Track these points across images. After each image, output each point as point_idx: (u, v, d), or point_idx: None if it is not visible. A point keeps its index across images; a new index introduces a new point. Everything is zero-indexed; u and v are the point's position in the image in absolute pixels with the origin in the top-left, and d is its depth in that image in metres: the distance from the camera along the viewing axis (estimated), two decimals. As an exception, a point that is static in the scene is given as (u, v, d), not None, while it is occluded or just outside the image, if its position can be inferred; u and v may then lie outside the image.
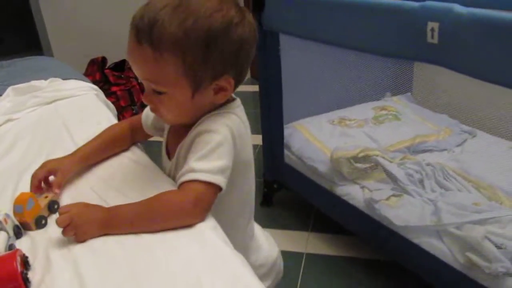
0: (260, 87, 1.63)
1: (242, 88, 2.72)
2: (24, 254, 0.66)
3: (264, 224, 1.72)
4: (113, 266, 0.64)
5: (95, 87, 1.34)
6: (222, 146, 0.73)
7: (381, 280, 1.43)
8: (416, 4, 0.99)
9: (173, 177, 0.81)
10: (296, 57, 1.60)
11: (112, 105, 1.35)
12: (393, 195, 1.34)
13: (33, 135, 1.08)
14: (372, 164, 1.44)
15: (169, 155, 0.84)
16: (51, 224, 0.74)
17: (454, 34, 0.92)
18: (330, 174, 1.48)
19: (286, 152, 1.67)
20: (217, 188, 0.72)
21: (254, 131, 2.83)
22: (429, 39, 0.97)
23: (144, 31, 0.69)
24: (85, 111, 1.18)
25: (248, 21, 0.75)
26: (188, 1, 0.70)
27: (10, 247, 0.70)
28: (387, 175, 1.40)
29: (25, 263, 0.65)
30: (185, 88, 0.73)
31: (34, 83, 1.33)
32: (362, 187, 1.41)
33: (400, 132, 1.64)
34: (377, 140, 1.59)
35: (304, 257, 1.56)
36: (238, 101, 0.83)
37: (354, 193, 1.42)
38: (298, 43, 1.48)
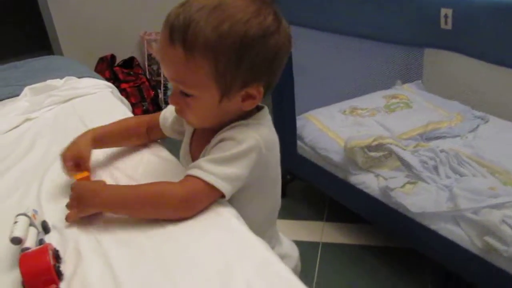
0: (271, 79, 1.63)
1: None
2: (55, 248, 0.67)
3: (279, 216, 1.74)
4: (141, 257, 0.65)
5: (110, 84, 1.36)
6: (241, 157, 0.71)
7: (398, 267, 1.44)
8: (428, -10, 0.99)
9: None
10: (306, 48, 1.60)
11: (127, 101, 1.37)
12: (408, 183, 1.34)
13: (52, 133, 1.10)
14: (386, 152, 1.44)
15: (193, 158, 0.82)
16: (79, 223, 0.75)
17: (468, 20, 0.92)
18: (344, 164, 1.49)
19: (299, 143, 1.68)
20: (218, 193, 0.71)
21: (264, 124, 2.80)
22: (443, 25, 0.97)
23: (179, 31, 0.67)
24: (102, 108, 1.19)
25: (284, 29, 0.72)
26: (226, 4, 0.68)
27: (40, 241, 0.72)
28: (402, 162, 1.40)
29: (57, 256, 0.67)
30: (213, 93, 0.71)
31: (50, 82, 1.34)
32: (377, 176, 1.42)
33: (412, 120, 1.64)
34: (390, 129, 1.59)
35: (320, 247, 1.57)
36: (266, 110, 0.80)
37: (369, 181, 1.42)
38: (307, 34, 1.48)
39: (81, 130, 1.07)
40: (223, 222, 0.70)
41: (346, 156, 1.49)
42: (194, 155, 0.82)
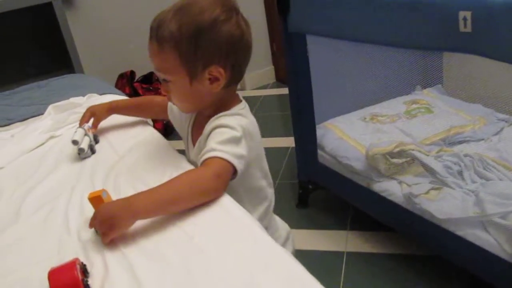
0: (290, 89, 1.63)
1: (267, 92, 2.76)
2: (82, 262, 0.68)
3: (302, 225, 1.74)
4: (168, 270, 0.66)
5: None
6: (240, 140, 0.84)
7: (426, 274, 1.41)
8: (446, -6, 0.98)
9: (193, 163, 0.94)
10: (323, 56, 1.60)
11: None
12: (433, 189, 1.32)
13: (76, 150, 1.12)
14: (409, 158, 1.43)
15: (194, 144, 0.95)
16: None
17: (487, 22, 0.91)
18: (367, 171, 1.47)
19: (319, 152, 1.67)
20: (233, 169, 0.81)
21: (282, 134, 2.84)
22: (462, 28, 0.96)
23: (154, 31, 0.85)
24: (124, 124, 1.20)
25: (237, 21, 0.87)
26: (188, 5, 0.85)
27: (91, 147, 1.04)
28: (425, 168, 1.39)
29: (84, 271, 0.67)
30: (183, 76, 0.86)
31: (73, 100, 1.37)
32: (400, 182, 1.40)
33: (434, 125, 1.62)
34: (411, 134, 1.58)
35: (344, 256, 1.55)
36: (243, 104, 0.94)
37: (392, 189, 1.41)
38: (324, 42, 1.48)
39: (104, 146, 1.10)
40: (249, 233, 0.70)
41: (368, 164, 1.48)
42: (194, 136, 0.97)
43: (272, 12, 3.03)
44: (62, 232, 0.80)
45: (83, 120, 1.10)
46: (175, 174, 0.86)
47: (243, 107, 0.93)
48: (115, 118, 1.19)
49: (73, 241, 0.78)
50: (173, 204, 0.76)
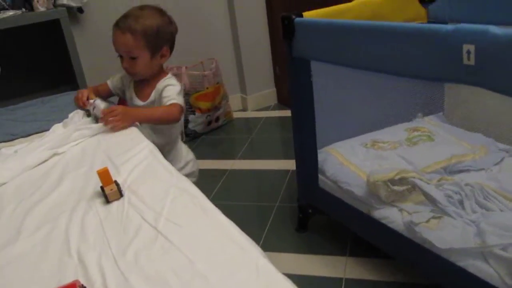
0: (292, 113, 1.64)
1: (269, 113, 2.77)
2: (82, 285, 0.68)
3: (300, 250, 1.73)
4: (169, 295, 0.65)
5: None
6: (181, 91, 1.48)
7: (425, 304, 1.40)
8: (449, 27, 1.00)
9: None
10: (326, 82, 1.62)
11: (154, 135, 1.39)
12: (433, 217, 1.32)
13: (79, 168, 1.12)
14: (410, 186, 1.43)
15: (139, 98, 1.53)
16: (106, 258, 0.76)
17: (491, 55, 0.92)
18: (367, 198, 1.47)
19: (320, 177, 1.67)
20: (181, 108, 1.44)
21: (282, 156, 2.86)
22: (465, 61, 0.98)
23: (126, 28, 1.40)
24: (127, 143, 1.21)
25: (172, 21, 1.50)
26: (142, 14, 1.44)
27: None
28: (426, 197, 1.39)
29: (85, 293, 0.67)
30: (146, 54, 1.44)
31: (76, 117, 1.38)
32: (401, 210, 1.40)
33: (435, 153, 1.62)
34: (412, 162, 1.58)
35: (343, 283, 1.54)
36: (170, 73, 1.56)
37: (392, 216, 1.40)
38: (328, 67, 1.49)
39: (107, 164, 1.10)
40: (250, 260, 0.69)
41: (368, 190, 1.48)
42: (140, 96, 1.54)
43: (276, 36, 3.07)
44: (63, 252, 0.80)
45: (83, 98, 1.50)
46: (175, 193, 0.86)
47: (171, 75, 1.54)
48: (115, 137, 1.19)
49: (73, 262, 0.77)
50: (153, 119, 1.40)
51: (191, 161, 1.67)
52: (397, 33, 1.12)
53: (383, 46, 1.17)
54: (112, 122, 1.29)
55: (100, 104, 1.40)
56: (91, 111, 1.42)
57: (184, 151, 1.66)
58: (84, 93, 1.52)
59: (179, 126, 1.62)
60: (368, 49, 1.21)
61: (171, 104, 1.40)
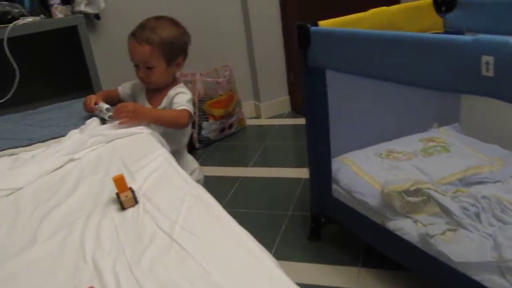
0: (307, 122, 1.64)
1: (282, 121, 2.78)
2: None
3: (312, 259, 1.72)
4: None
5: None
6: (191, 99, 1.51)
7: (439, 318, 1.38)
8: (468, 38, 0.99)
9: None
10: (342, 90, 1.61)
11: (165, 142, 1.39)
12: (449, 230, 1.30)
13: (95, 174, 1.13)
14: (425, 197, 1.41)
15: (152, 106, 1.56)
16: (121, 265, 0.76)
17: (510, 67, 0.91)
18: (381, 208, 1.46)
19: (334, 186, 1.66)
20: (191, 115, 1.47)
21: (295, 164, 2.85)
22: (484, 72, 0.97)
23: (143, 39, 1.45)
24: (142, 150, 1.21)
25: (186, 32, 1.54)
26: (160, 25, 1.48)
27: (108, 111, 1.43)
28: (441, 208, 1.37)
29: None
30: (163, 64, 1.49)
31: (93, 123, 1.39)
32: (415, 221, 1.39)
33: (451, 164, 1.61)
34: (428, 173, 1.57)
35: (356, 294, 1.53)
36: (182, 83, 1.60)
37: (407, 227, 1.39)
38: (343, 76, 1.49)
39: (123, 171, 1.11)
40: (265, 270, 0.69)
41: (383, 201, 1.47)
42: (152, 103, 1.57)
43: (290, 44, 3.08)
44: (78, 258, 0.80)
45: (91, 104, 1.52)
46: (190, 201, 0.86)
47: (183, 85, 1.58)
48: (131, 144, 1.20)
49: (88, 268, 0.77)
50: (162, 120, 1.43)
51: (196, 169, 1.70)
52: (414, 43, 1.12)
53: (400, 56, 1.16)
54: (122, 118, 1.33)
55: (103, 105, 1.45)
56: (98, 115, 1.46)
57: (190, 160, 1.69)
58: (91, 98, 1.54)
59: (188, 135, 1.65)
60: (384, 59, 1.21)
61: (181, 110, 1.44)
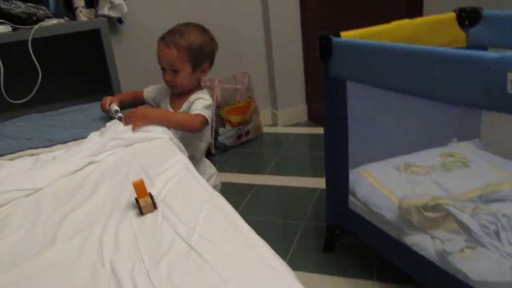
0: (325, 132, 1.63)
1: (299, 130, 2.78)
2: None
3: (326, 271, 1.71)
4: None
5: (169, 131, 1.40)
6: (210, 106, 1.54)
7: (454, 337, 1.35)
8: (494, 54, 0.98)
9: None
10: (361, 102, 1.60)
11: (183, 148, 1.40)
12: (467, 247, 1.28)
13: (114, 177, 1.14)
14: (443, 213, 1.39)
15: (173, 109, 1.60)
16: (139, 271, 0.76)
17: (537, 86, 0.90)
18: (399, 223, 1.44)
19: (350, 198, 1.65)
20: (206, 121, 1.50)
21: (310, 174, 2.83)
22: (510, 90, 0.95)
23: (172, 42, 1.50)
24: (161, 155, 1.22)
25: (213, 39, 1.59)
26: (188, 30, 1.53)
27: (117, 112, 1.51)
28: (460, 225, 1.35)
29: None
30: (188, 68, 1.53)
31: (113, 126, 1.40)
32: (433, 237, 1.37)
33: (470, 180, 1.58)
34: (446, 188, 1.54)
35: (369, 308, 1.51)
36: (205, 89, 1.63)
37: (424, 243, 1.37)
38: (363, 88, 1.48)
39: (142, 175, 1.11)
40: (283, 282, 0.69)
41: (400, 215, 1.45)
42: (173, 106, 1.61)
43: (310, 53, 3.07)
44: (96, 262, 0.81)
45: (106, 104, 1.58)
46: (209, 209, 0.86)
47: (206, 91, 1.62)
48: (150, 149, 1.20)
49: (106, 272, 0.78)
50: (173, 122, 1.45)
51: (214, 174, 1.72)
52: (438, 58, 1.11)
53: (423, 70, 1.15)
54: (131, 123, 1.38)
55: (113, 107, 1.53)
56: (112, 115, 1.52)
57: (208, 165, 1.72)
58: (107, 99, 1.60)
59: (206, 141, 1.67)
60: (406, 72, 1.20)
61: (194, 114, 1.48)
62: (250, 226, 0.84)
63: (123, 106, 1.63)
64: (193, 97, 1.55)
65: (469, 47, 1.72)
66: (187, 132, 1.53)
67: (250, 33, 3.09)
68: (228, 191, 1.74)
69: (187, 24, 1.56)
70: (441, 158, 1.76)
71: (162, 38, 1.52)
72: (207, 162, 1.72)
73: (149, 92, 1.72)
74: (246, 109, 2.94)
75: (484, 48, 1.68)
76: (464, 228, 1.34)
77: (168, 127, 1.43)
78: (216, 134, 2.87)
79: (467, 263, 1.23)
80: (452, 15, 1.69)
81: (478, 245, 1.28)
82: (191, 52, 1.50)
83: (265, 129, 3.21)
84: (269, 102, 3.30)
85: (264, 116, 3.25)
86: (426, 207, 1.40)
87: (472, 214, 1.38)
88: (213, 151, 2.87)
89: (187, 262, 0.76)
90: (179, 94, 1.60)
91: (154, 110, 1.55)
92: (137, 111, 1.42)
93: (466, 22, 1.70)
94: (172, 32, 1.52)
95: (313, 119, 3.27)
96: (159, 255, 0.79)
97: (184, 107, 1.57)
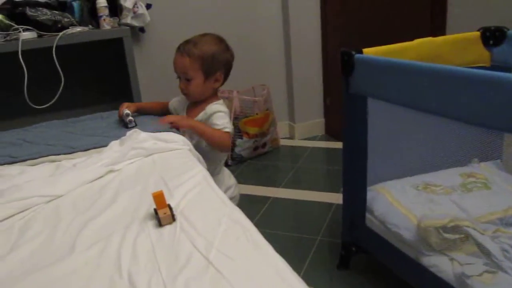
0: (344, 148, 1.63)
1: (315, 143, 2.76)
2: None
3: (340, 288, 1.68)
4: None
5: (188, 142, 1.40)
6: (228, 117, 1.59)
7: None
8: (520, 76, 0.97)
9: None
10: (381, 119, 1.59)
11: (202, 159, 1.41)
12: (487, 271, 1.26)
13: (133, 187, 1.14)
14: (463, 235, 1.37)
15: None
16: (157, 283, 0.76)
17: None
18: (416, 243, 1.42)
19: (367, 215, 1.63)
20: (231, 136, 1.56)
21: (327, 189, 2.81)
22: (535, 113, 0.94)
23: (186, 51, 1.55)
24: (181, 166, 1.23)
25: (229, 50, 1.62)
26: (204, 39, 1.58)
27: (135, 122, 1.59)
28: (480, 248, 1.32)
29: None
30: (201, 76, 1.56)
31: (133, 134, 1.41)
32: (452, 260, 1.34)
33: (491, 202, 1.55)
34: (466, 210, 1.52)
35: (384, 328, 1.48)
36: (221, 99, 1.66)
37: (442, 265, 1.35)
38: (384, 105, 1.47)
39: (161, 186, 1.12)
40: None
41: (418, 235, 1.43)
42: (189, 116, 1.64)
43: (330, 68, 3.07)
44: (114, 272, 0.81)
45: (120, 110, 1.63)
46: (228, 223, 0.86)
47: (222, 102, 1.65)
48: (170, 159, 1.21)
49: (123, 283, 0.78)
50: (205, 134, 1.53)
51: (233, 185, 1.72)
52: (461, 78, 1.09)
53: (446, 90, 1.14)
54: (167, 120, 1.53)
55: (125, 111, 1.61)
56: (123, 118, 1.60)
57: (227, 176, 1.73)
58: (123, 105, 1.67)
59: (226, 152, 1.67)
60: (429, 91, 1.19)
61: (225, 132, 1.54)
62: (264, 238, 0.84)
63: (143, 114, 1.68)
64: (209, 108, 1.59)
65: (493, 66, 1.70)
66: (219, 149, 1.59)
67: (270, 46, 3.10)
68: (244, 203, 1.74)
69: (204, 35, 1.60)
70: (461, 178, 1.73)
71: (178, 47, 1.58)
72: (225, 173, 1.73)
73: (172, 103, 1.78)
74: (264, 121, 2.95)
75: (508, 68, 1.66)
76: (484, 251, 1.31)
77: (199, 137, 1.55)
78: (233, 145, 2.87)
79: (487, 287, 1.21)
80: (477, 34, 1.67)
81: (499, 270, 1.26)
82: (203, 61, 1.54)
83: (282, 142, 3.21)
84: (287, 115, 3.30)
85: (281, 128, 3.25)
86: (445, 228, 1.37)
87: (493, 237, 1.36)
88: (229, 162, 2.87)
89: (205, 277, 0.75)
90: (195, 103, 1.65)
91: (189, 118, 1.62)
92: (172, 117, 1.57)
93: (491, 42, 1.68)
94: (187, 41, 1.57)
95: (330, 133, 3.26)
96: (177, 268, 0.79)
97: (200, 116, 1.61)
